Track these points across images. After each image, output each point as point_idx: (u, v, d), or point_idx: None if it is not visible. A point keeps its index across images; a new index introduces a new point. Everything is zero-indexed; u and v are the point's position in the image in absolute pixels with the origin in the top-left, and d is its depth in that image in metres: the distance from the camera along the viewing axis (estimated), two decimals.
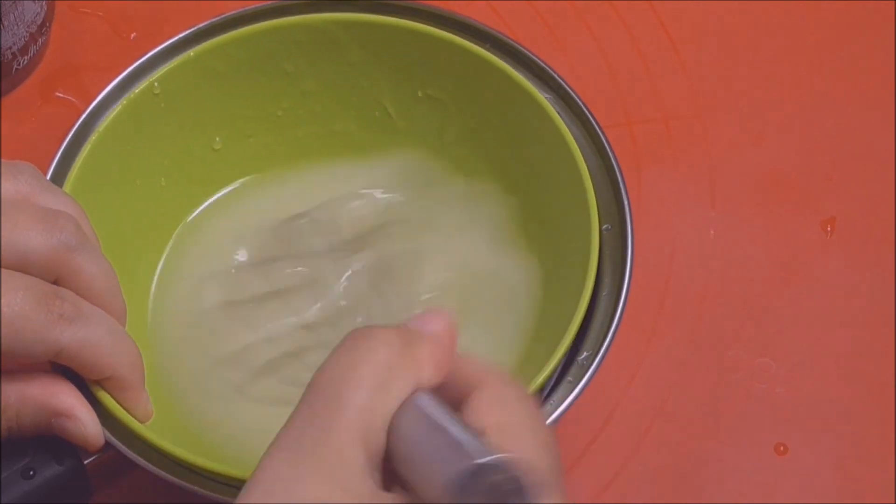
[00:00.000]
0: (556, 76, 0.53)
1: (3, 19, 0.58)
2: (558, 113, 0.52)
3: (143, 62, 0.54)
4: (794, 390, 0.55)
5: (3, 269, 0.42)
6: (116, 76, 0.53)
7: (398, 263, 0.53)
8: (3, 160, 0.45)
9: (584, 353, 0.47)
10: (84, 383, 0.45)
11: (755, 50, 0.65)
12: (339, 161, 0.57)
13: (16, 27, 0.59)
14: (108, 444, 0.45)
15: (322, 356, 0.50)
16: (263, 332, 0.53)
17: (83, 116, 0.52)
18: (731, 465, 0.53)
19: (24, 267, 0.43)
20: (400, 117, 0.56)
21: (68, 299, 0.43)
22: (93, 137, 0.51)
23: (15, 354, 0.42)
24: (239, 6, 0.55)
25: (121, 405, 0.45)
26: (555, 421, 0.46)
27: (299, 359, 0.52)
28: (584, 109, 0.52)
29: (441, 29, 0.54)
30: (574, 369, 0.47)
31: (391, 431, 0.36)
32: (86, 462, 0.44)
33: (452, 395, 0.37)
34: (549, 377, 0.46)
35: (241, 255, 0.55)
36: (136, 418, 0.46)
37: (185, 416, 0.50)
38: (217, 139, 0.56)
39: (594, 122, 0.52)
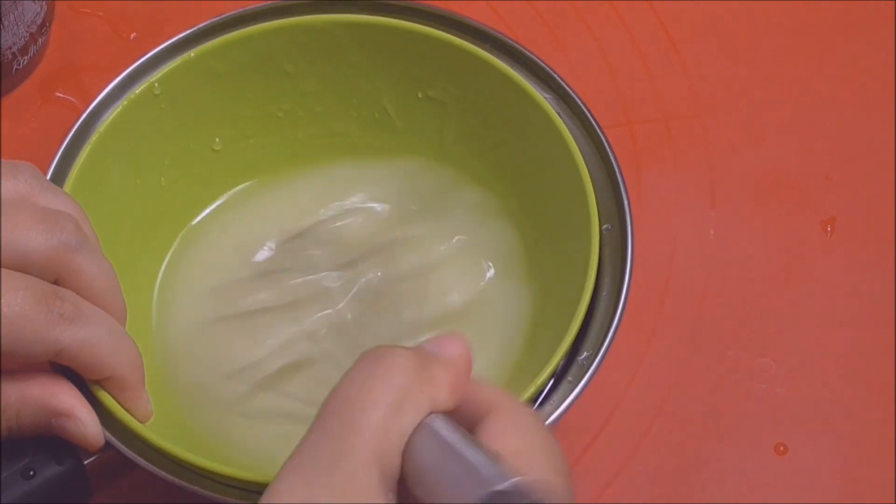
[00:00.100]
0: (556, 76, 0.53)
1: (3, 19, 0.58)
2: (558, 113, 0.52)
3: (143, 62, 0.54)
4: (794, 390, 0.55)
5: (3, 269, 0.42)
6: (116, 76, 0.53)
7: (403, 277, 0.53)
8: (3, 160, 0.45)
9: (584, 353, 0.47)
10: (84, 383, 0.45)
11: (755, 50, 0.65)
12: (338, 162, 0.57)
13: (16, 27, 0.59)
14: (108, 444, 0.45)
15: (325, 368, 0.50)
16: (266, 341, 0.52)
17: (83, 116, 0.52)
18: (731, 465, 0.53)
19: (25, 267, 0.42)
20: (400, 118, 0.56)
21: (68, 299, 0.43)
22: (93, 138, 0.51)
23: (15, 354, 0.42)
24: (239, 6, 0.55)
25: (121, 405, 0.45)
26: (555, 421, 0.46)
27: (301, 370, 0.52)
28: (584, 109, 0.52)
29: (441, 29, 0.54)
30: (574, 369, 0.47)
31: (407, 454, 0.36)
32: (86, 462, 0.44)
33: (466, 419, 0.37)
34: (550, 377, 0.46)
35: (246, 264, 0.55)
36: (136, 418, 0.45)
37: (186, 417, 0.50)
38: (217, 140, 0.56)
39: (594, 122, 0.52)
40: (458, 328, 0.52)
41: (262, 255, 0.55)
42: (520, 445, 0.36)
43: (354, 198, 0.56)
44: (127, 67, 0.53)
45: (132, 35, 0.64)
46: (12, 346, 0.41)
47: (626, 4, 0.65)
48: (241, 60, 0.54)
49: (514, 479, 0.33)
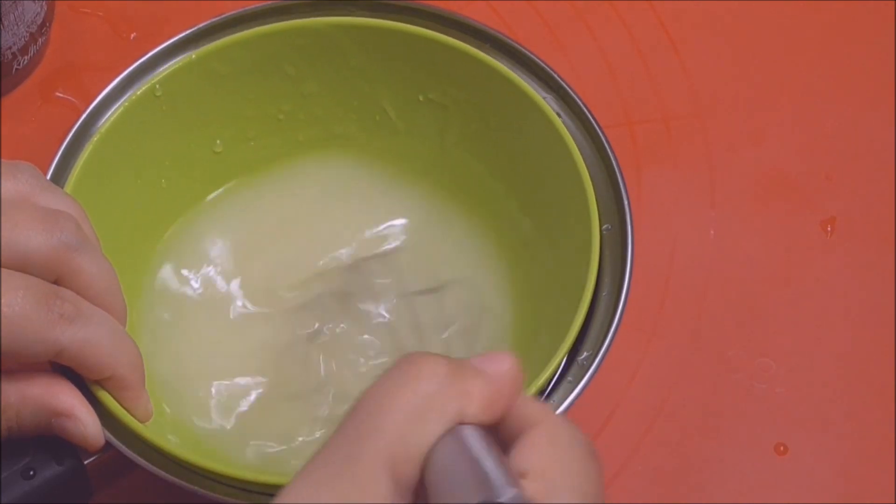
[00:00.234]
0: (556, 76, 0.53)
1: (3, 19, 0.58)
2: (558, 113, 0.52)
3: (143, 62, 0.54)
4: (794, 390, 0.55)
5: (3, 269, 0.42)
6: (116, 76, 0.53)
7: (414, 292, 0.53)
8: (3, 160, 0.45)
9: (584, 353, 0.47)
10: (84, 383, 0.45)
11: (755, 50, 0.65)
12: (339, 162, 0.57)
13: (16, 27, 0.59)
14: (108, 444, 0.45)
15: (324, 366, 0.50)
16: (266, 340, 0.53)
17: (83, 116, 0.52)
18: (731, 465, 0.53)
19: (25, 267, 0.42)
20: (401, 120, 0.56)
21: (69, 299, 0.43)
22: (94, 138, 0.51)
23: (15, 354, 0.42)
24: (239, 6, 0.55)
25: (121, 405, 0.45)
26: None
27: (301, 368, 0.52)
28: (584, 109, 0.52)
29: (441, 29, 0.54)
30: (574, 369, 0.47)
31: (428, 462, 0.35)
32: (86, 462, 0.44)
33: (508, 434, 0.36)
34: (550, 377, 0.46)
35: (246, 265, 0.55)
36: (136, 418, 0.45)
37: (185, 416, 0.50)
38: (218, 141, 0.56)
39: (594, 122, 0.52)
40: (458, 328, 0.52)
41: (261, 256, 0.55)
42: (549, 465, 0.35)
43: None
44: (127, 67, 0.53)
45: (132, 35, 0.64)
46: (12, 345, 0.41)
47: (626, 4, 0.65)
48: (243, 62, 0.54)
49: (515, 493, 0.33)
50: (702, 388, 0.55)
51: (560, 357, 0.46)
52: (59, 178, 0.51)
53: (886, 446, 0.54)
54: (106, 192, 0.51)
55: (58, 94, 0.63)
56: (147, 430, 0.45)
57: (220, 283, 0.54)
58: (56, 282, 0.44)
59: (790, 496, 0.53)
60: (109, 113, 0.52)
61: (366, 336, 0.52)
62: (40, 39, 0.62)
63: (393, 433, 0.35)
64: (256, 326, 0.53)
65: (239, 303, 0.54)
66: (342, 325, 0.53)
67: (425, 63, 0.54)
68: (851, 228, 0.59)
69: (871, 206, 0.60)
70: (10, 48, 0.60)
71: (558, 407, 0.46)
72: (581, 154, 0.51)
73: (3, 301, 0.41)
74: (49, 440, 0.44)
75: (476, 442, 0.35)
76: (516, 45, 0.54)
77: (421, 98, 0.55)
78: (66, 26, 0.64)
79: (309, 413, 0.51)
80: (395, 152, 0.56)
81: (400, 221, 0.55)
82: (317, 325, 0.53)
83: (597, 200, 0.50)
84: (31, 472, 0.43)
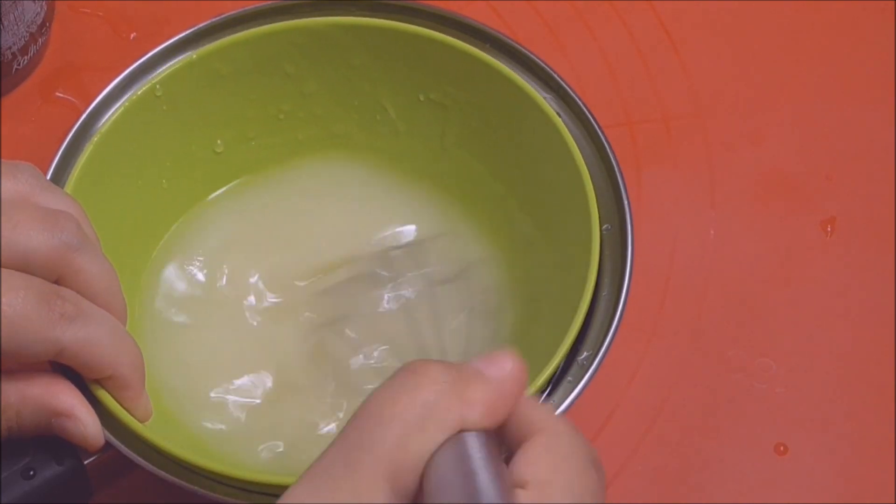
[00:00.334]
0: (556, 76, 0.53)
1: (3, 19, 0.58)
2: (558, 113, 0.52)
3: (143, 62, 0.54)
4: (794, 390, 0.55)
5: (3, 269, 0.42)
6: (116, 76, 0.53)
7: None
8: (3, 160, 0.45)
9: (584, 353, 0.47)
10: (84, 383, 0.45)
11: (755, 50, 0.65)
12: (340, 162, 0.57)
13: (16, 27, 0.59)
14: (108, 444, 0.45)
15: (331, 365, 0.50)
16: (267, 338, 0.53)
17: (83, 116, 0.52)
18: (731, 465, 0.53)
19: (25, 267, 0.42)
20: (401, 120, 0.56)
21: (69, 299, 0.43)
22: (95, 138, 0.51)
23: (16, 354, 0.42)
24: (239, 6, 0.55)
25: (121, 405, 0.45)
26: None
27: (307, 366, 0.52)
28: (584, 109, 0.52)
29: (441, 29, 0.54)
30: (574, 369, 0.47)
31: (427, 470, 0.35)
32: (86, 462, 0.44)
33: (511, 439, 0.36)
34: (550, 377, 0.46)
35: (246, 266, 0.55)
36: (136, 418, 0.45)
37: (185, 415, 0.50)
38: (219, 142, 0.56)
39: (594, 122, 0.52)
40: (457, 328, 0.52)
41: (261, 256, 0.55)
42: (549, 476, 0.35)
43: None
44: (127, 67, 0.53)
45: (132, 35, 0.64)
46: (13, 345, 0.41)
47: (626, 4, 0.65)
48: (243, 62, 0.54)
49: None
50: (702, 388, 0.55)
51: (560, 357, 0.46)
52: (59, 178, 0.51)
53: (886, 446, 0.54)
54: (106, 192, 0.51)
55: (58, 94, 0.63)
56: (147, 430, 0.45)
57: (222, 281, 0.54)
58: (56, 282, 0.44)
59: (790, 496, 0.53)
60: (110, 113, 0.52)
61: (369, 332, 0.52)
62: (40, 39, 0.62)
63: (393, 442, 0.35)
64: (257, 325, 0.53)
65: (239, 301, 0.54)
66: (347, 322, 0.53)
67: (426, 63, 0.54)
68: (851, 228, 0.59)
69: (871, 206, 0.60)
70: (10, 48, 0.60)
71: (558, 407, 0.46)
72: (581, 154, 0.51)
73: (3, 301, 0.41)
74: (49, 440, 0.44)
75: (476, 452, 0.35)
76: (516, 45, 0.54)
77: (421, 98, 0.55)
78: (66, 26, 0.64)
79: (316, 410, 0.51)
80: (396, 152, 0.56)
81: (400, 221, 0.55)
82: (323, 322, 0.53)
83: (597, 200, 0.50)
84: (31, 472, 0.43)
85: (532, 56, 0.54)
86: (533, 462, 0.35)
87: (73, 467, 0.44)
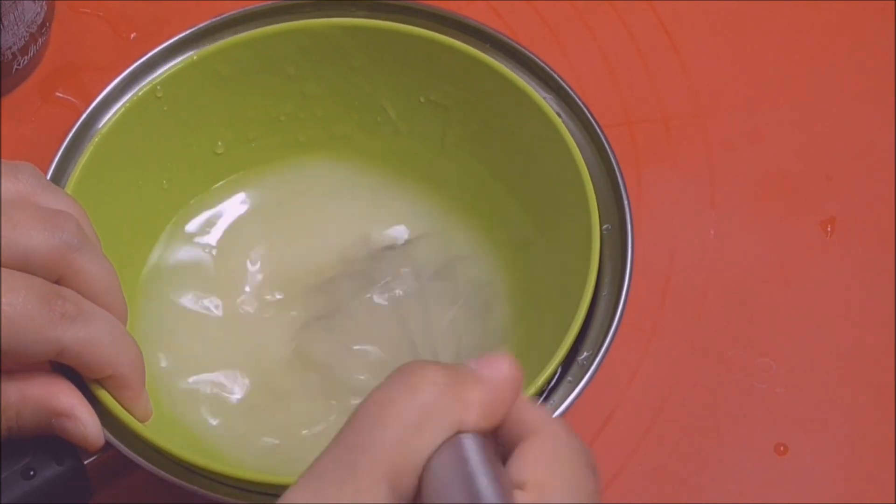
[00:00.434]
0: (556, 76, 0.53)
1: (3, 19, 0.58)
2: (558, 113, 0.52)
3: (143, 62, 0.54)
4: (794, 390, 0.55)
5: (4, 269, 0.42)
6: (116, 76, 0.53)
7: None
8: (3, 160, 0.45)
9: (584, 353, 0.47)
10: (84, 383, 0.45)
11: (755, 50, 0.65)
12: (340, 163, 0.57)
13: (16, 27, 0.59)
14: (108, 444, 0.45)
15: (326, 359, 0.50)
16: (270, 336, 0.53)
17: (83, 116, 0.52)
18: (731, 465, 0.53)
19: (26, 267, 0.42)
20: (402, 121, 0.56)
21: (70, 298, 0.43)
22: (95, 139, 0.51)
23: (16, 353, 0.42)
24: (239, 6, 0.55)
25: (121, 404, 0.45)
26: None
27: (300, 363, 0.52)
28: (584, 109, 0.52)
29: (441, 30, 0.54)
30: (574, 369, 0.47)
31: (425, 472, 0.35)
32: (86, 462, 0.44)
33: (508, 440, 0.37)
34: (550, 377, 0.46)
35: (246, 266, 0.55)
36: (135, 418, 0.45)
37: (185, 415, 0.51)
38: (219, 142, 0.56)
39: (594, 122, 0.52)
40: (456, 326, 0.52)
41: (263, 257, 0.55)
42: (546, 477, 0.35)
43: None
44: (127, 67, 0.53)
45: (132, 35, 0.64)
46: (14, 344, 0.41)
47: (626, 4, 0.65)
48: (244, 63, 0.54)
49: None
50: (702, 388, 0.55)
51: (560, 357, 0.46)
52: (58, 178, 0.51)
53: (886, 446, 0.54)
54: (107, 192, 0.51)
55: (58, 94, 0.63)
56: (147, 430, 0.45)
57: (219, 280, 0.54)
58: (57, 282, 0.44)
59: (790, 496, 0.53)
60: (110, 113, 0.52)
61: (369, 327, 0.52)
62: (40, 39, 0.62)
63: (392, 444, 0.35)
64: (251, 323, 0.53)
65: (234, 300, 0.54)
66: (345, 319, 0.53)
67: (426, 64, 0.54)
68: (851, 228, 0.59)
69: (871, 206, 0.60)
70: (10, 48, 0.60)
71: (559, 406, 0.46)
72: (581, 154, 0.51)
73: (4, 300, 0.41)
74: (49, 440, 0.44)
75: (473, 454, 0.35)
76: (516, 46, 0.54)
77: (422, 99, 0.55)
78: (66, 26, 0.64)
79: (313, 406, 0.51)
80: (397, 153, 0.56)
81: (400, 221, 0.55)
82: (321, 318, 0.53)
83: (597, 200, 0.50)
84: (31, 472, 0.43)
85: (532, 56, 0.54)
86: (530, 463, 0.35)
87: (73, 467, 0.44)
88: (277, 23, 0.54)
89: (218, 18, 0.55)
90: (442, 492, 0.34)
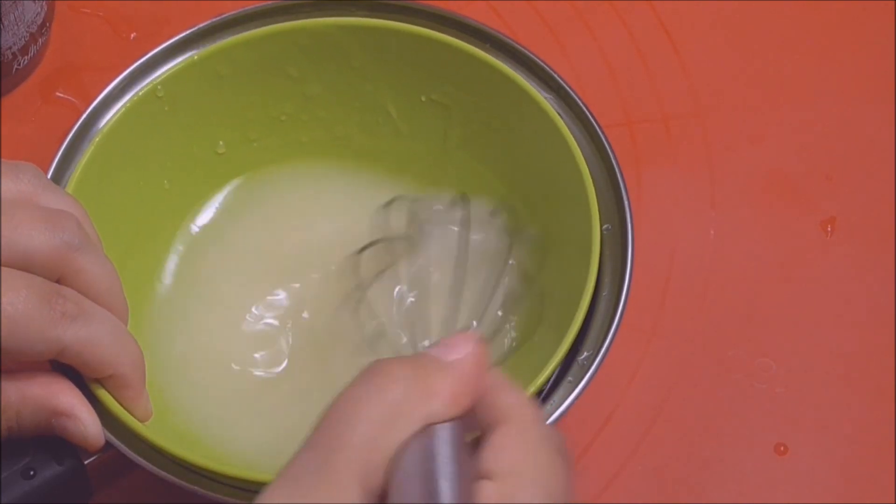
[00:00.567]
0: (556, 76, 0.53)
1: (3, 19, 0.58)
2: (558, 113, 0.52)
3: (143, 62, 0.54)
4: (794, 390, 0.55)
5: (5, 269, 0.42)
6: (116, 76, 0.53)
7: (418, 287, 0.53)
8: (4, 160, 0.45)
9: (584, 353, 0.47)
10: (84, 383, 0.45)
11: (755, 50, 0.65)
12: (341, 163, 0.57)
13: (16, 27, 0.59)
14: (108, 444, 0.45)
15: (324, 366, 0.50)
16: (272, 334, 0.53)
17: (83, 116, 0.52)
18: (731, 465, 0.53)
19: (27, 266, 0.43)
20: (403, 121, 0.56)
21: (70, 298, 0.43)
22: (96, 139, 0.51)
23: (17, 353, 0.42)
24: (239, 6, 0.55)
25: (121, 404, 0.45)
26: (555, 421, 0.46)
27: (300, 366, 0.52)
28: (584, 109, 0.52)
29: (441, 29, 0.54)
30: (574, 369, 0.47)
31: (393, 468, 0.35)
32: (86, 462, 0.44)
33: (481, 424, 0.37)
34: (550, 377, 0.46)
35: (246, 266, 0.55)
36: (136, 417, 0.46)
37: (185, 415, 0.51)
38: (220, 143, 0.56)
39: (594, 122, 0.52)
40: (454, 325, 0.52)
41: (263, 257, 0.55)
42: (515, 465, 0.35)
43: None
44: (127, 67, 0.53)
45: (132, 35, 0.64)
46: (14, 344, 0.41)
47: (626, 4, 0.65)
48: (245, 63, 0.54)
49: None
50: (702, 389, 0.55)
51: (560, 357, 0.46)
52: (59, 178, 0.51)
53: (886, 446, 0.54)
54: (108, 192, 0.51)
55: (58, 94, 0.63)
56: (147, 430, 0.45)
57: (222, 280, 0.54)
58: (58, 281, 0.44)
59: (790, 496, 0.53)
60: (110, 113, 0.52)
61: (373, 326, 0.52)
62: (40, 39, 0.62)
63: (363, 443, 0.35)
64: (255, 324, 0.53)
65: (239, 299, 0.54)
66: (350, 318, 0.53)
67: (427, 63, 0.54)
68: (851, 228, 0.59)
69: (871, 206, 0.60)
70: (10, 48, 0.60)
71: (559, 406, 0.46)
72: (581, 154, 0.51)
73: (5, 300, 0.41)
74: (49, 440, 0.44)
75: (440, 448, 0.35)
76: (516, 45, 0.54)
77: (423, 99, 0.55)
78: (66, 26, 0.64)
79: (316, 407, 0.51)
80: (398, 153, 0.56)
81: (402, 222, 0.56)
82: (329, 317, 0.53)
83: (597, 200, 0.50)
84: (31, 472, 0.43)
85: (532, 56, 0.54)
86: (500, 452, 0.36)
87: (73, 467, 0.44)
88: (277, 23, 0.54)
89: (218, 18, 0.55)
90: (403, 489, 0.35)
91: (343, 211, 0.56)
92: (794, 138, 0.62)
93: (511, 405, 0.37)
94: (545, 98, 0.52)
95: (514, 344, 0.52)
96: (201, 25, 0.55)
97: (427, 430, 0.36)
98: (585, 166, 0.50)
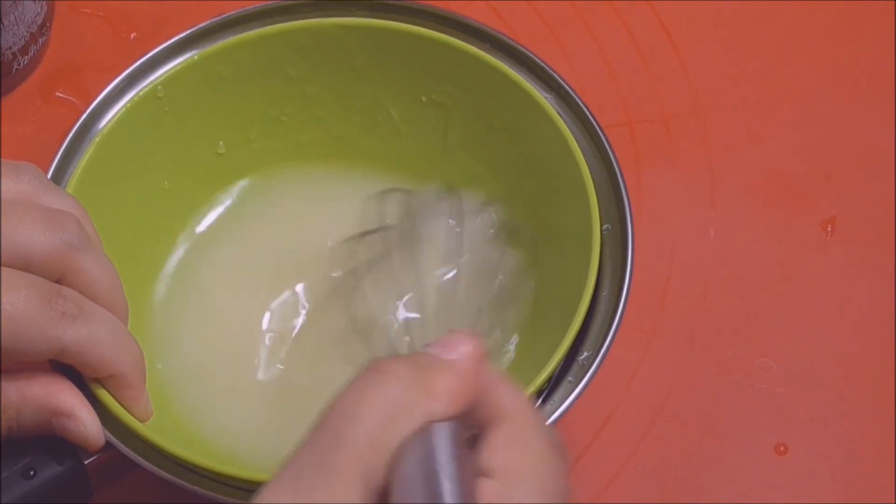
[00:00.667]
0: (556, 76, 0.53)
1: (3, 19, 0.58)
2: (558, 113, 0.52)
3: (143, 62, 0.54)
4: (794, 390, 0.55)
5: (5, 269, 0.42)
6: (116, 76, 0.53)
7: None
8: (4, 160, 0.45)
9: (584, 353, 0.47)
10: (84, 383, 0.45)
11: (755, 50, 0.65)
12: (342, 164, 0.57)
13: (16, 27, 0.59)
14: (108, 443, 0.45)
15: (325, 365, 0.50)
16: (274, 334, 0.53)
17: (83, 116, 0.52)
18: (731, 465, 0.53)
19: (27, 266, 0.43)
20: (404, 122, 0.56)
21: (71, 298, 0.43)
22: (96, 139, 0.51)
23: (17, 352, 0.42)
24: (239, 6, 0.55)
25: (121, 404, 0.45)
26: (555, 421, 0.46)
27: (301, 366, 0.52)
28: (584, 109, 0.52)
29: (441, 29, 0.54)
30: (574, 369, 0.47)
31: (394, 467, 0.35)
32: (86, 462, 0.44)
33: (480, 421, 0.37)
34: (550, 377, 0.46)
35: (246, 267, 0.55)
36: (136, 417, 0.46)
37: (185, 415, 0.51)
38: (221, 143, 0.56)
39: (594, 122, 0.52)
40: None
41: (264, 257, 0.55)
42: (513, 464, 0.36)
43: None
44: (127, 68, 0.53)
45: (132, 35, 0.64)
46: (15, 343, 0.41)
47: (626, 4, 0.65)
48: (245, 64, 0.54)
49: None
50: (702, 388, 0.55)
51: (560, 357, 0.46)
52: (59, 178, 0.51)
53: (886, 446, 0.54)
54: (108, 192, 0.51)
55: (58, 94, 0.63)
56: (147, 430, 0.45)
57: (224, 281, 0.54)
58: (58, 281, 0.44)
59: (790, 496, 0.53)
60: (110, 114, 0.52)
61: (375, 327, 0.52)
62: (40, 39, 0.62)
63: (364, 442, 0.35)
64: (257, 324, 0.53)
65: (242, 299, 0.54)
66: (352, 318, 0.53)
67: (428, 63, 0.54)
68: (851, 228, 0.59)
69: (871, 206, 0.60)
70: (10, 48, 0.60)
71: (559, 406, 0.46)
72: (581, 154, 0.51)
73: (5, 299, 0.41)
74: (49, 440, 0.44)
75: (440, 447, 0.35)
76: (516, 45, 0.54)
77: (423, 99, 0.55)
78: (66, 26, 0.64)
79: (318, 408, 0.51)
80: (398, 154, 0.56)
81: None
82: (329, 318, 0.53)
83: (597, 200, 0.50)
84: (31, 472, 0.43)
85: (532, 56, 0.54)
86: (498, 450, 0.36)
87: (74, 467, 0.44)
88: (277, 23, 0.54)
89: (218, 18, 0.55)
90: (405, 489, 0.34)
91: (343, 211, 0.56)
92: (794, 138, 0.62)
93: (509, 403, 0.37)
94: (545, 98, 0.52)
95: (512, 342, 0.52)
96: (201, 25, 0.55)
97: (427, 428, 0.36)
98: (585, 166, 0.50)
